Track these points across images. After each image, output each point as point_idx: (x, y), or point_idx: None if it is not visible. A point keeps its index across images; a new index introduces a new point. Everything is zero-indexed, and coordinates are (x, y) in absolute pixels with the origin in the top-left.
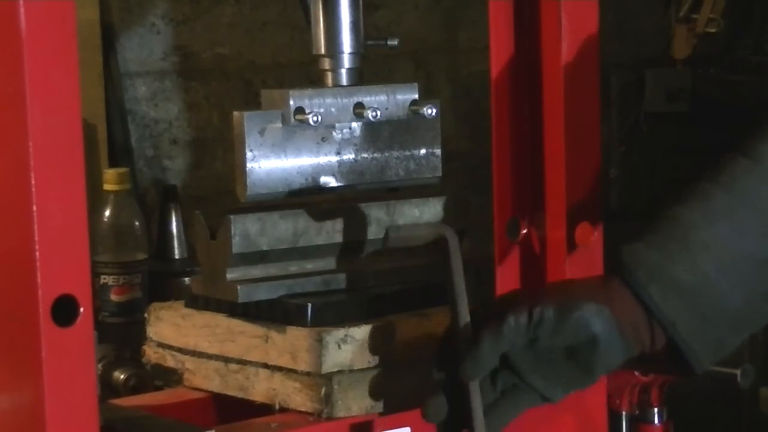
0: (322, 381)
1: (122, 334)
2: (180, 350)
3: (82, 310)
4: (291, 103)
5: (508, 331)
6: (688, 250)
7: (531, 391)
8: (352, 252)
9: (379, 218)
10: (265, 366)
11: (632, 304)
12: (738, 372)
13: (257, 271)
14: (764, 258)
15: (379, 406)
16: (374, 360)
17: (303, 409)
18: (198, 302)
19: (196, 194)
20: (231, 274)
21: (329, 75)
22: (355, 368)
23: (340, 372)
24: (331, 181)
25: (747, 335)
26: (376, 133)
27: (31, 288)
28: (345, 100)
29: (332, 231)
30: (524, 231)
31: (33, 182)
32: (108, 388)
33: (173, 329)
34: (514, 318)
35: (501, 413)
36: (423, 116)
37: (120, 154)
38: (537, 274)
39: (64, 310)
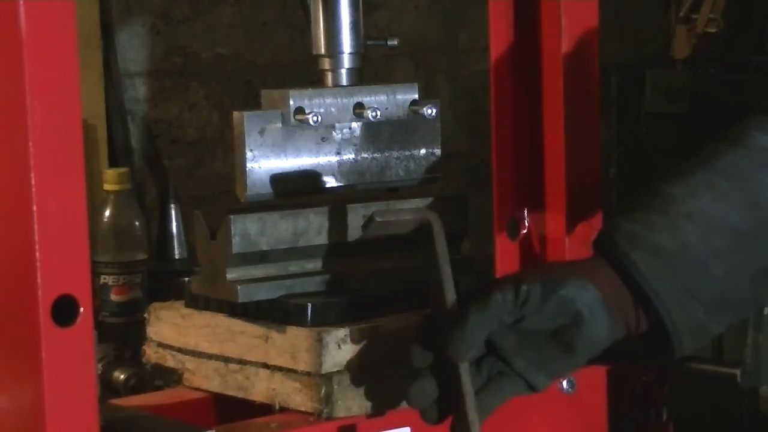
0: (322, 381)
1: (122, 334)
2: (180, 350)
3: (82, 310)
4: (291, 103)
5: (494, 308)
6: (669, 220)
7: (516, 377)
8: (352, 252)
9: None
10: (265, 366)
11: (617, 282)
12: (738, 372)
13: (257, 271)
14: (746, 231)
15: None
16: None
17: (303, 409)
18: (198, 302)
19: (196, 194)
20: (231, 274)
21: (329, 75)
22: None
23: (340, 372)
24: (331, 181)
25: (729, 322)
26: (376, 133)
27: (31, 288)
28: (345, 100)
29: (332, 231)
30: (524, 231)
31: (33, 182)
32: (108, 388)
33: (173, 329)
34: (501, 295)
35: (486, 399)
36: (423, 116)
37: (120, 154)
38: None
39: (64, 310)
